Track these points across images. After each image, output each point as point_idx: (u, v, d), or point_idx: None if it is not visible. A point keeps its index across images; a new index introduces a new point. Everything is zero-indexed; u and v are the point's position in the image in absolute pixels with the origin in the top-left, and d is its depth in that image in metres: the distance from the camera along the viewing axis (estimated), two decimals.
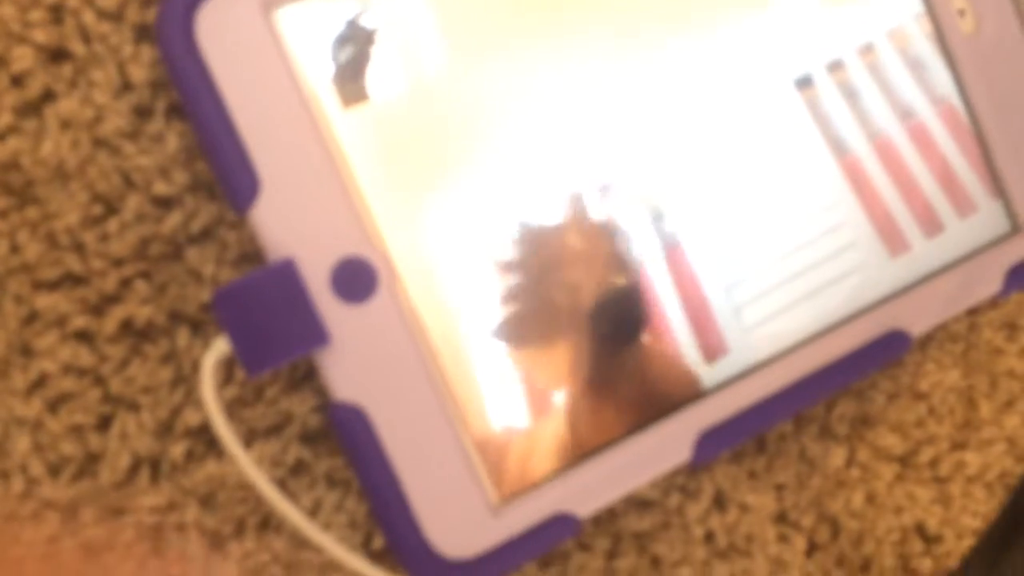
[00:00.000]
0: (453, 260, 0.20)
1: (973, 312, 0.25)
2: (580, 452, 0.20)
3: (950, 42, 0.23)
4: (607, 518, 0.22)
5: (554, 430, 0.20)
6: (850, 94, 0.22)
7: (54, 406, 0.19)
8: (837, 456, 0.24)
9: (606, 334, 0.20)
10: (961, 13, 0.23)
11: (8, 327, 0.18)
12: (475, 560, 0.20)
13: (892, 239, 0.23)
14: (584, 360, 0.20)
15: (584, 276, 0.20)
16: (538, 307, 0.20)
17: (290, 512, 0.19)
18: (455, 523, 0.19)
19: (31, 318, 0.19)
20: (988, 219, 0.23)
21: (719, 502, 0.23)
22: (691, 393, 0.21)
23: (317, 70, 0.19)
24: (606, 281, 0.20)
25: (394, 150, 0.19)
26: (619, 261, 0.21)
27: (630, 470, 0.21)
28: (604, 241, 0.20)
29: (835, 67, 0.22)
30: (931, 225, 0.23)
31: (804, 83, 0.22)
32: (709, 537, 0.23)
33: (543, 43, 0.20)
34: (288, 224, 0.19)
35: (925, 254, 0.23)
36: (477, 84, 0.20)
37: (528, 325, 0.20)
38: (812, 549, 0.24)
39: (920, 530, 0.24)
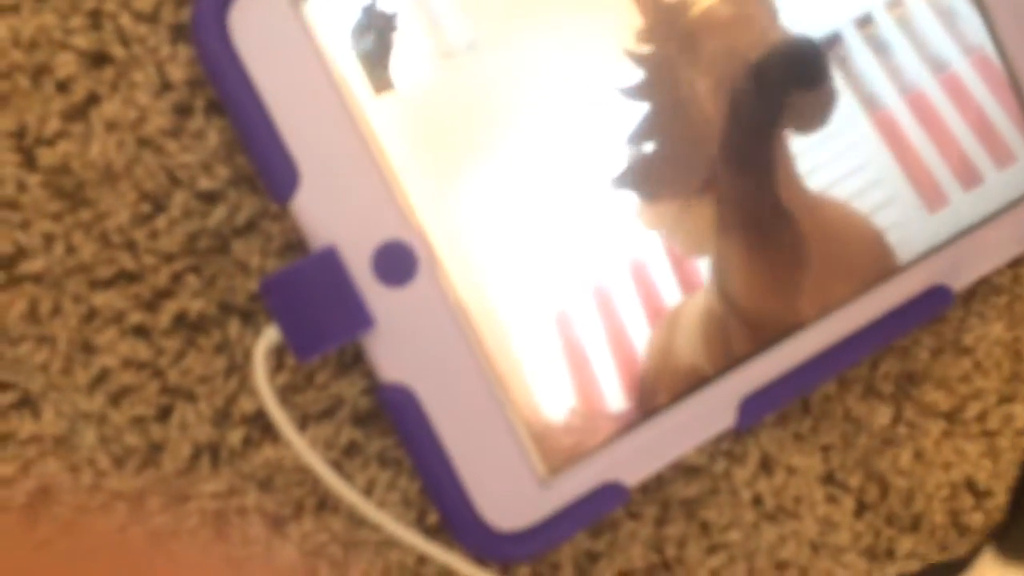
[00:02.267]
0: (490, 238, 0.20)
1: (1016, 264, 0.25)
2: (630, 419, 0.21)
3: None
4: (655, 486, 0.22)
5: (599, 398, 0.20)
6: (880, 49, 0.22)
7: (116, 400, 0.19)
8: (883, 415, 0.24)
9: (779, 84, 0.18)
10: None
11: (69, 326, 0.19)
12: (527, 531, 0.20)
13: (930, 194, 0.22)
14: (734, 208, 0.18)
15: (740, 37, 0.18)
16: (675, 140, 0.18)
17: (346, 492, 0.19)
18: (506, 496, 0.20)
19: (90, 316, 0.19)
20: None
21: (766, 465, 0.23)
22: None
23: (348, 59, 0.19)
24: (767, 37, 0.18)
25: (427, 133, 0.20)
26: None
27: (676, 437, 0.21)
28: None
29: (864, 23, 0.22)
30: (969, 177, 0.23)
31: (833, 40, 0.22)
32: (757, 500, 0.23)
33: (566, 14, 0.20)
34: (328, 212, 0.19)
35: (964, 207, 0.23)
36: (505, 61, 0.20)
37: (662, 167, 0.19)
38: (861, 509, 0.24)
39: (970, 485, 0.24)
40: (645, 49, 0.20)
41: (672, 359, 0.21)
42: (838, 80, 0.22)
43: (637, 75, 0.21)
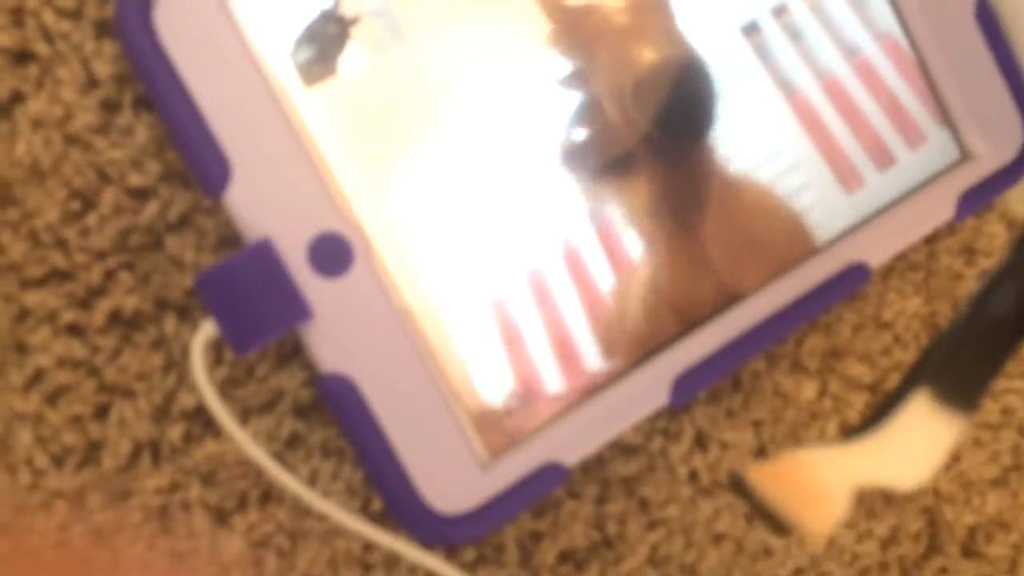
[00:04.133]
0: (425, 227, 0.20)
1: (931, 240, 0.26)
2: (567, 401, 0.21)
3: None
4: (594, 465, 0.23)
5: (537, 381, 0.21)
6: (796, 36, 0.23)
7: (52, 399, 0.19)
8: (809, 389, 0.25)
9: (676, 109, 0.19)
10: None
11: (1, 326, 0.19)
12: (471, 513, 0.20)
13: (846, 175, 0.23)
14: (661, 184, 0.19)
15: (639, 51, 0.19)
16: (606, 121, 0.20)
17: (290, 483, 0.19)
18: (448, 481, 0.20)
19: (22, 316, 0.19)
20: (938, 148, 0.24)
21: (700, 442, 0.24)
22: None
23: (277, 52, 0.19)
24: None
25: (359, 124, 0.20)
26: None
27: (612, 417, 0.21)
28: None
29: (780, 11, 0.23)
30: (883, 158, 0.24)
31: (751, 29, 0.23)
32: (693, 476, 0.24)
33: (501, 5, 0.21)
34: (262, 205, 0.19)
35: (879, 187, 0.24)
36: (435, 52, 0.20)
37: (599, 144, 0.20)
38: None
39: None
40: (558, 51, 0.21)
41: (607, 341, 0.22)
42: (756, 67, 0.23)
43: (565, 66, 0.21)
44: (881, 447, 0.17)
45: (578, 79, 0.20)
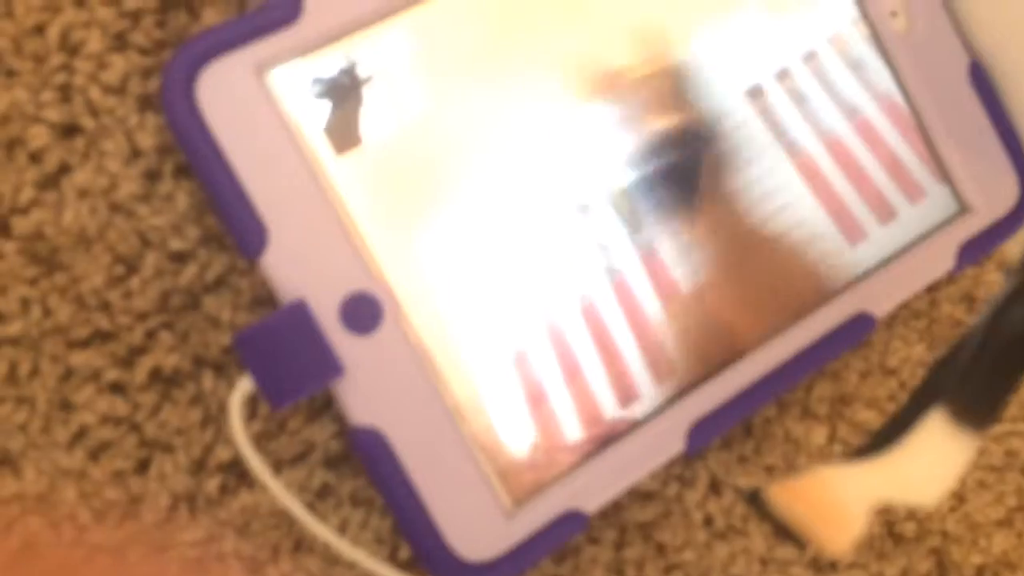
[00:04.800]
0: (450, 286, 0.21)
1: (932, 289, 0.27)
2: (586, 449, 0.22)
3: (886, 42, 0.25)
4: (613, 512, 0.24)
5: (558, 432, 0.22)
6: (799, 99, 0.24)
7: (95, 455, 0.20)
8: (819, 434, 0.26)
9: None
10: (893, 14, 0.25)
11: (47, 386, 0.20)
12: (495, 561, 0.21)
13: (849, 228, 0.25)
14: None
15: None
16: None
17: (321, 531, 0.20)
18: (474, 528, 0.21)
19: (67, 375, 0.20)
20: (937, 202, 0.25)
21: (714, 487, 0.25)
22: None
23: (310, 122, 0.21)
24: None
25: (387, 189, 0.21)
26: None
27: (630, 464, 0.22)
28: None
29: (783, 76, 0.24)
30: (884, 212, 0.25)
31: (755, 93, 0.24)
32: (708, 521, 0.25)
33: (519, 71, 0.22)
34: (296, 267, 0.20)
35: (881, 239, 0.25)
36: (457, 120, 0.22)
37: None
38: None
39: None
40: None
41: (625, 391, 0.22)
42: (761, 129, 0.24)
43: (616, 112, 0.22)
44: (899, 465, 0.18)
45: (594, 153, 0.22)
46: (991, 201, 0.26)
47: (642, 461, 0.22)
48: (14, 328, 0.20)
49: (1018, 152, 0.26)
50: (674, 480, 0.24)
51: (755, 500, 0.18)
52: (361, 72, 0.21)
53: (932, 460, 0.18)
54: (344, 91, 0.21)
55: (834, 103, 0.25)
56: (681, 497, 0.24)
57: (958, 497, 0.27)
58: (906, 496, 0.18)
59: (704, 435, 0.23)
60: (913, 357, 0.26)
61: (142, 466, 0.20)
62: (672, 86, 0.23)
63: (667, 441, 0.23)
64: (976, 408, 0.18)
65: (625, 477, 0.22)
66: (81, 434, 0.20)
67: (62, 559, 0.20)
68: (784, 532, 0.17)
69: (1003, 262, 0.27)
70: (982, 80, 0.25)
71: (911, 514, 0.26)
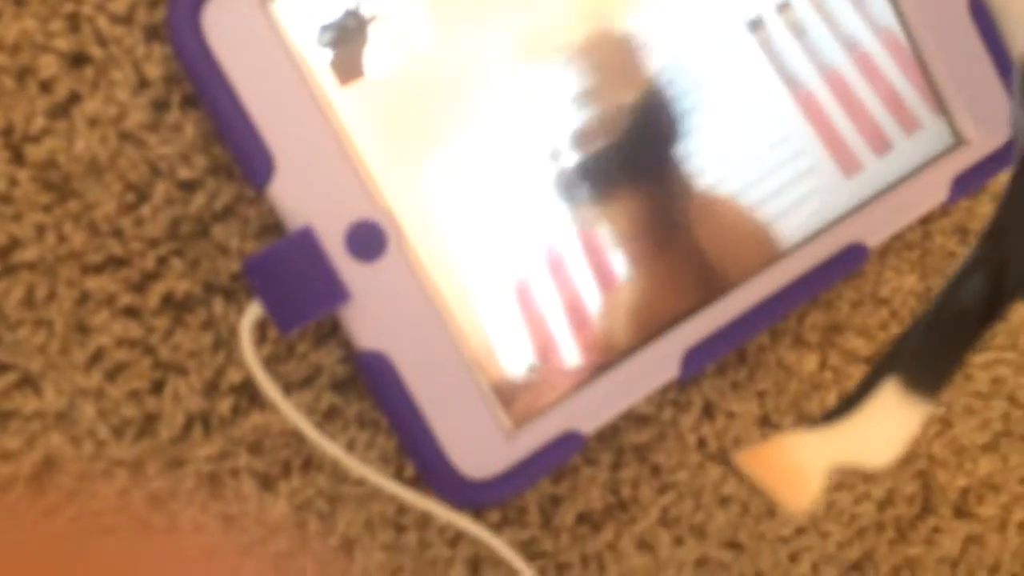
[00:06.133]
0: (453, 215, 0.22)
1: (925, 221, 0.27)
2: (584, 374, 0.23)
3: None
4: (609, 434, 0.25)
5: (556, 356, 0.23)
6: (799, 31, 0.24)
7: (112, 376, 0.21)
8: (810, 362, 0.26)
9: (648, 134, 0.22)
10: None
11: (64, 309, 0.21)
12: (496, 478, 0.22)
13: (846, 161, 0.25)
14: (647, 210, 0.22)
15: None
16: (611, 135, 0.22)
17: (330, 449, 0.21)
18: (475, 448, 0.22)
19: (83, 299, 0.21)
20: (932, 134, 0.26)
21: (708, 412, 0.26)
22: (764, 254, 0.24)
23: (314, 52, 0.21)
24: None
25: (390, 120, 0.21)
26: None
27: (626, 388, 0.23)
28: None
29: (783, 7, 0.24)
30: (880, 144, 0.25)
31: (756, 25, 0.24)
32: (701, 443, 0.26)
33: (519, 11, 0.22)
34: (303, 196, 0.21)
35: (877, 171, 0.25)
36: (457, 57, 0.22)
37: (592, 172, 0.22)
38: None
39: None
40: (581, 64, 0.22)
41: (621, 318, 0.23)
42: (762, 61, 0.24)
43: (581, 84, 0.23)
44: (853, 431, 0.19)
45: (589, 97, 0.22)
46: (986, 134, 0.26)
47: (638, 385, 0.23)
48: (30, 253, 0.20)
49: None
50: (669, 404, 0.25)
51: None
52: (365, 10, 0.21)
53: (885, 426, 0.19)
54: (348, 29, 0.21)
55: (834, 36, 0.25)
56: (676, 421, 0.25)
57: (944, 422, 0.28)
58: (860, 459, 0.19)
59: (698, 361, 0.23)
60: (905, 287, 0.27)
61: (157, 387, 0.21)
62: (634, 50, 0.23)
63: (662, 366, 0.23)
64: (927, 377, 0.19)
65: (621, 400, 0.23)
66: (98, 356, 0.21)
67: (82, 471, 0.21)
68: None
69: (996, 195, 0.27)
70: (982, 13, 0.25)
71: None
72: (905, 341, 0.19)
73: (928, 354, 0.19)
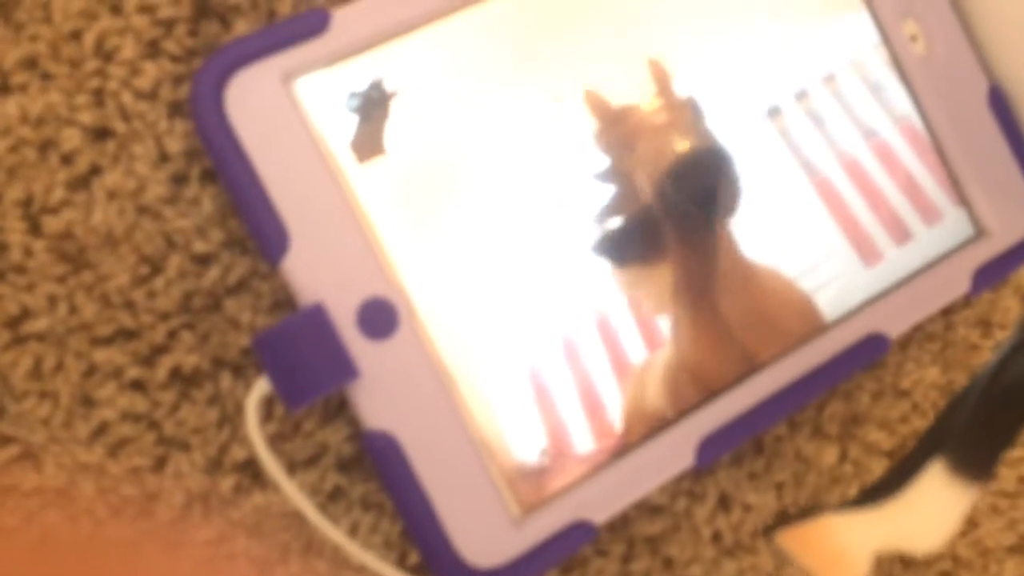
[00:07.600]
0: (466, 295, 0.22)
1: (948, 312, 0.27)
2: (596, 461, 0.22)
3: (905, 65, 0.26)
4: (621, 524, 0.24)
5: (568, 442, 0.22)
6: (817, 120, 0.25)
7: (114, 451, 0.21)
8: (830, 454, 0.26)
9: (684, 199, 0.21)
10: (913, 38, 0.26)
11: (70, 381, 0.20)
12: (503, 568, 0.21)
13: (866, 249, 0.25)
14: (687, 275, 0.22)
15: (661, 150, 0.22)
16: (635, 214, 0.22)
17: (332, 534, 0.20)
18: (482, 536, 0.21)
19: (90, 371, 0.20)
20: (953, 225, 0.25)
21: (724, 503, 0.25)
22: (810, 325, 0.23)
23: (333, 131, 0.21)
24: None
25: (407, 198, 0.21)
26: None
27: (640, 477, 0.22)
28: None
29: (802, 96, 0.25)
30: (901, 234, 0.25)
31: (774, 113, 0.24)
32: (716, 537, 0.25)
33: (538, 90, 0.22)
34: (316, 272, 0.21)
35: (897, 261, 0.25)
36: (478, 133, 0.22)
37: (626, 239, 0.22)
38: None
39: None
40: (601, 146, 0.22)
41: (637, 406, 0.23)
42: (780, 148, 0.24)
43: (604, 161, 0.23)
44: (899, 514, 0.18)
45: (615, 174, 0.22)
46: (1008, 226, 0.26)
47: (652, 474, 0.22)
48: (40, 324, 0.20)
49: None
50: (683, 495, 0.24)
51: (770, 537, 0.18)
52: (388, 86, 0.21)
53: (931, 510, 0.18)
54: (371, 105, 0.21)
55: (852, 124, 0.25)
56: (690, 512, 0.24)
57: (970, 522, 0.27)
58: (906, 544, 0.18)
59: (714, 450, 0.23)
60: (926, 379, 0.26)
61: (159, 463, 0.21)
62: (690, 111, 0.23)
63: (677, 455, 0.23)
64: (974, 460, 0.18)
65: (634, 489, 0.22)
66: (101, 430, 0.21)
67: (78, 553, 0.20)
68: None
69: (1019, 287, 0.27)
70: (1001, 105, 0.26)
71: None
72: (950, 419, 0.18)
73: (975, 435, 0.18)
